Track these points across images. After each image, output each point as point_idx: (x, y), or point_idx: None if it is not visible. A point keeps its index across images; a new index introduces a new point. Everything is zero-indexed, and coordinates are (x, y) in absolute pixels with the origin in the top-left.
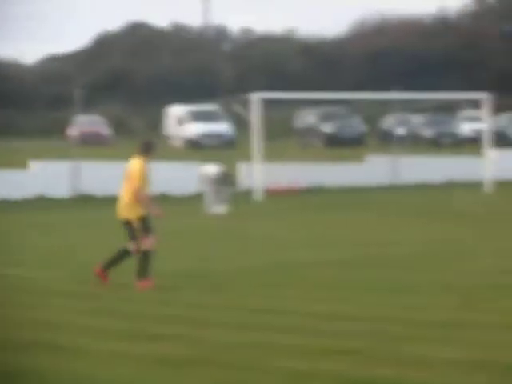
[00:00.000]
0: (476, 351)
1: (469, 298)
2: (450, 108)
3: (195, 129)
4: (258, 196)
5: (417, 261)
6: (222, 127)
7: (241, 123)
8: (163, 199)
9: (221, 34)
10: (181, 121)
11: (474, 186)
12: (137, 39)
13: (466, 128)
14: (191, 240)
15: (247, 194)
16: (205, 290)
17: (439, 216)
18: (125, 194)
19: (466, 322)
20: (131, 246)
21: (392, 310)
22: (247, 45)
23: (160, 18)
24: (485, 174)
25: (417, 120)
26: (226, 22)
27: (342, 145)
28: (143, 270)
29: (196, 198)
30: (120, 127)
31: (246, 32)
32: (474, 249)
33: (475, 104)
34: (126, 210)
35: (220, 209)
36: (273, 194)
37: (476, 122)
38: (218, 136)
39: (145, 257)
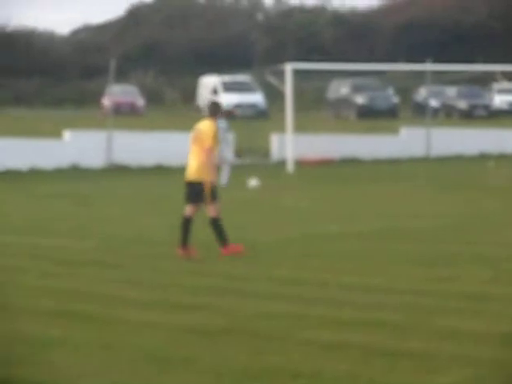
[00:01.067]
0: (507, 324)
1: (500, 270)
2: (484, 80)
3: (228, 99)
4: (290, 168)
5: (447, 233)
6: (255, 98)
7: (274, 94)
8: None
9: (254, 4)
10: (214, 91)
11: (507, 159)
12: (170, 10)
13: (499, 100)
14: (225, 211)
15: (280, 165)
16: (237, 261)
17: (472, 189)
18: (194, 156)
19: (497, 295)
20: (187, 210)
21: (423, 282)
22: (280, 16)
23: None
24: None
25: (450, 92)
26: None
27: (375, 116)
28: (221, 237)
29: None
30: (153, 98)
31: (279, 3)
32: (506, 222)
33: (510, 76)
34: (194, 172)
35: (253, 181)
36: (305, 166)
37: (510, 93)
38: (251, 107)
39: (215, 225)
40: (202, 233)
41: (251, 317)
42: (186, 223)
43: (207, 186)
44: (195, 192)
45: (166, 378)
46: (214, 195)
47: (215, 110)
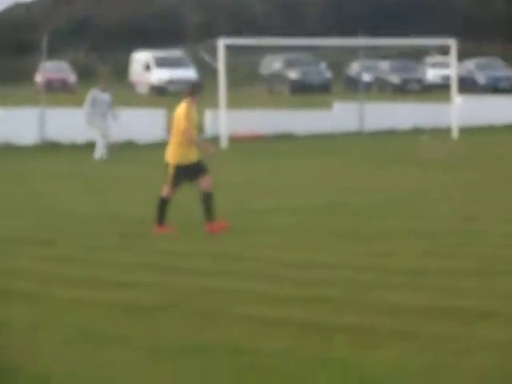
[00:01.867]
0: (443, 298)
1: (436, 244)
2: (417, 54)
3: (161, 75)
4: (224, 143)
5: (384, 208)
6: (188, 73)
7: (207, 70)
8: (128, 146)
9: None
10: (146, 67)
11: (441, 133)
12: None
13: (432, 74)
14: (158, 187)
15: (213, 141)
16: (172, 236)
17: (406, 163)
18: (173, 137)
19: (434, 269)
20: (164, 191)
21: (361, 257)
22: None
23: None
24: (451, 121)
25: (383, 66)
26: None
27: (308, 91)
28: (209, 213)
29: (162, 145)
30: (85, 74)
31: None
32: (441, 196)
33: (441, 50)
34: (171, 153)
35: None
36: (239, 142)
37: (442, 67)
38: (183, 82)
39: (206, 199)
40: (133, 209)
41: (188, 293)
42: (162, 203)
43: (172, 167)
44: (168, 173)
45: (101, 355)
46: (201, 169)
47: (192, 91)
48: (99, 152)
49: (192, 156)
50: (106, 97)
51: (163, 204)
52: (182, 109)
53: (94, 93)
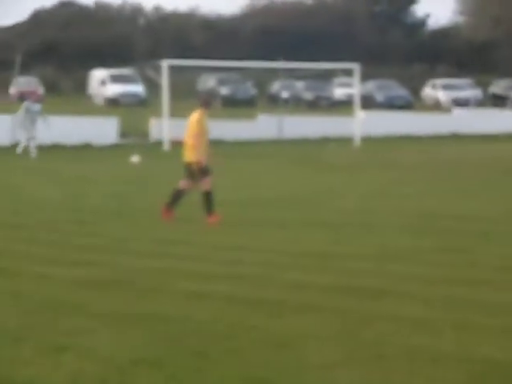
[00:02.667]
0: (344, 278)
1: (339, 233)
2: (327, 75)
3: (114, 89)
4: (166, 147)
5: (294, 202)
6: (137, 88)
7: (153, 85)
8: (86, 148)
9: (136, 10)
10: (102, 82)
11: (346, 141)
12: (66, 14)
13: (339, 92)
14: (111, 182)
15: (157, 145)
16: (121, 224)
17: (316, 166)
18: (187, 140)
19: (335, 254)
20: (182, 183)
21: (275, 243)
22: (159, 20)
23: None
24: (354, 131)
25: (299, 85)
26: (140, 1)
27: (237, 105)
28: (209, 208)
29: (115, 148)
30: (52, 88)
31: (158, 9)
32: (344, 193)
33: (347, 72)
34: (186, 154)
35: (134, 157)
36: (179, 145)
37: (348, 87)
38: (133, 96)
39: (207, 196)
40: (93, 200)
41: (131, 271)
42: (178, 192)
43: (192, 165)
44: (186, 170)
45: (61, 321)
46: (203, 171)
47: (205, 102)
48: (21, 148)
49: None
50: (36, 107)
51: (179, 194)
52: (193, 117)
53: (26, 104)
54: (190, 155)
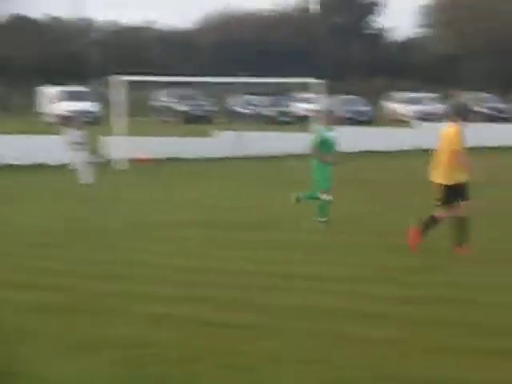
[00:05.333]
0: (315, 299)
1: (306, 252)
2: (288, 90)
3: (65, 106)
4: (121, 166)
5: (256, 223)
6: (90, 106)
7: (106, 102)
8: (40, 168)
9: (89, 25)
10: (52, 99)
11: (305, 157)
12: (19, 30)
13: (299, 107)
14: (63, 202)
15: (111, 164)
16: (82, 247)
17: (276, 183)
18: (441, 158)
19: (301, 274)
20: (438, 212)
21: (236, 263)
22: (113, 34)
23: (35, 12)
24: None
25: (259, 101)
26: (90, 15)
27: (194, 122)
28: (462, 237)
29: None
30: (3, 103)
31: (112, 23)
32: (305, 211)
33: (307, 87)
34: (442, 175)
35: (89, 177)
36: (134, 164)
37: (308, 102)
38: (85, 113)
39: (461, 223)
40: (47, 222)
41: (85, 294)
42: (431, 220)
43: (451, 188)
44: (442, 194)
45: (13, 348)
46: (465, 194)
47: (463, 113)
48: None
49: (460, 177)
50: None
51: (434, 222)
52: (451, 130)
53: None
54: (445, 176)
